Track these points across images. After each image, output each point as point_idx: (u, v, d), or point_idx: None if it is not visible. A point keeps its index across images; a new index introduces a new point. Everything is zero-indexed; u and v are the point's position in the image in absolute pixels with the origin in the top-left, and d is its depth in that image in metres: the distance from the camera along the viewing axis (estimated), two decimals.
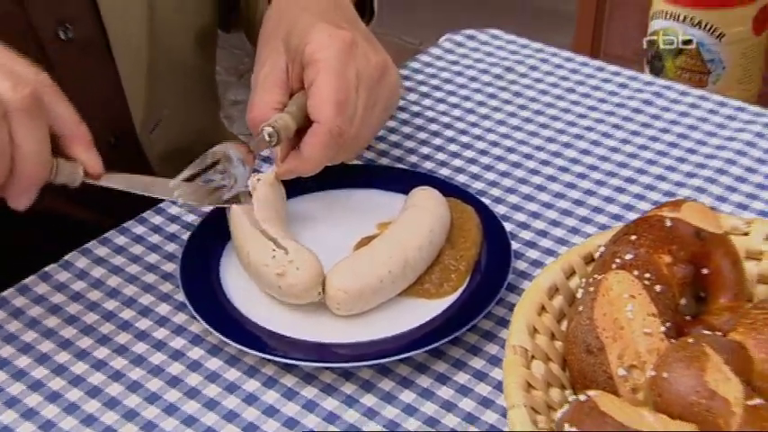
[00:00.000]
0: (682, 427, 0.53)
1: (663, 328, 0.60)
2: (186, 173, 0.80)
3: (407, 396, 0.70)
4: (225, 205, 0.83)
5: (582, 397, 0.55)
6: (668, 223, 0.66)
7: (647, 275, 0.63)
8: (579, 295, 0.66)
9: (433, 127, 1.02)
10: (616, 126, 1.00)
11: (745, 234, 0.70)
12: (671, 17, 1.89)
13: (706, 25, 1.84)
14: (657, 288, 0.62)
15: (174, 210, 0.90)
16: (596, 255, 0.68)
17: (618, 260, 0.65)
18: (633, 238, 0.66)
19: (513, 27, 3.02)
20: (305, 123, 0.82)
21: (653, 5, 1.93)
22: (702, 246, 0.66)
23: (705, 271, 0.66)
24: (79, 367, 0.75)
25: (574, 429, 0.53)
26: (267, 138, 0.80)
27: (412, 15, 3.02)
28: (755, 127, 1.01)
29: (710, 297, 0.66)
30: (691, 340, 0.58)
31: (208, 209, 0.87)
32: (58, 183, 0.72)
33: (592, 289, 0.64)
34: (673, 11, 1.88)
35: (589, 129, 1.00)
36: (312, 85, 0.82)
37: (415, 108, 1.05)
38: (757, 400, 0.54)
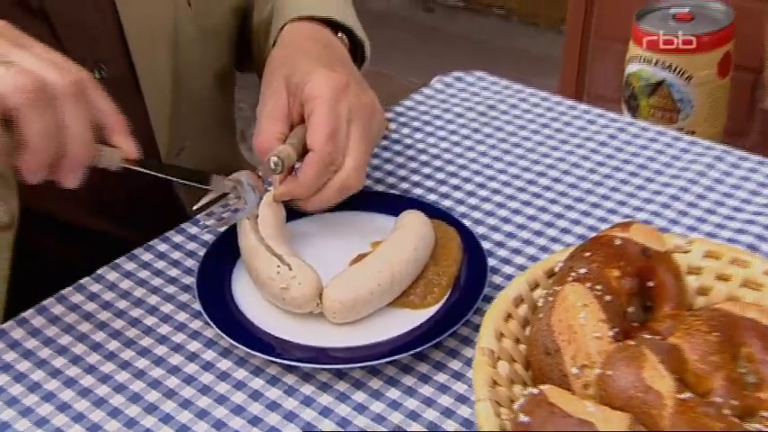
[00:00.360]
0: (618, 415, 0.54)
1: (611, 333, 0.61)
2: (203, 201, 0.82)
3: (393, 393, 0.71)
4: (231, 223, 0.84)
5: (535, 391, 0.57)
6: (618, 242, 0.68)
7: (598, 287, 0.64)
8: (540, 304, 0.66)
9: (423, 158, 1.02)
10: (584, 157, 1.00)
11: (687, 252, 0.71)
12: (645, 61, 1.91)
13: (676, 69, 1.86)
14: (607, 298, 0.63)
15: (193, 230, 0.90)
16: (556, 269, 0.69)
17: (573, 274, 0.66)
18: (587, 254, 0.67)
19: (506, 70, 2.99)
20: (304, 152, 0.84)
21: (629, 51, 1.95)
22: (648, 262, 0.67)
23: (650, 284, 0.67)
24: (108, 367, 0.76)
25: (526, 419, 0.54)
26: (273, 166, 0.81)
27: (418, 59, 3.01)
28: (706, 159, 1.00)
29: (655, 306, 0.67)
30: (632, 343, 0.60)
31: (221, 228, 0.87)
32: (100, 166, 0.73)
33: (551, 299, 0.65)
34: (646, 55, 1.89)
35: (560, 159, 1.01)
36: (309, 119, 0.83)
37: (408, 141, 1.05)
38: (687, 394, 0.55)
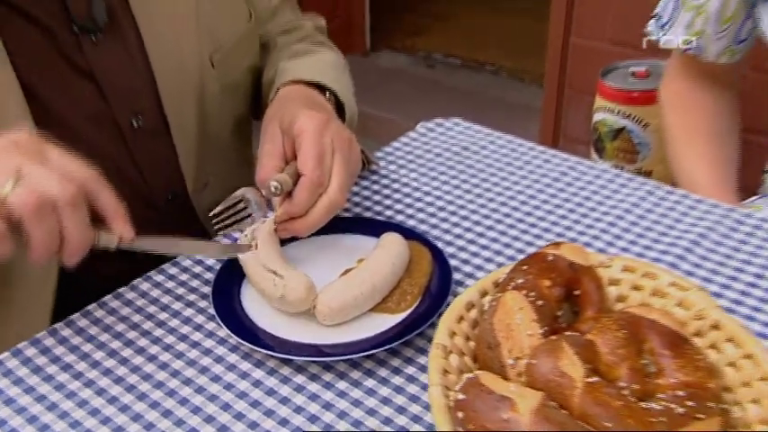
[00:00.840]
0: (533, 393, 0.56)
1: (541, 331, 0.63)
2: (218, 209, 0.84)
3: (369, 383, 0.72)
4: (233, 255, 0.84)
5: (471, 375, 0.59)
6: (550, 258, 0.69)
7: (532, 294, 0.65)
8: (486, 308, 0.68)
9: (405, 189, 1.03)
10: (539, 190, 1.01)
11: (608, 266, 0.72)
12: (608, 111, 1.97)
13: (634, 117, 1.92)
14: (539, 303, 0.65)
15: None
16: (500, 280, 0.70)
17: (513, 283, 0.67)
18: (525, 268, 0.69)
19: (496, 118, 3.03)
20: (297, 181, 0.84)
21: (596, 102, 2.02)
22: (574, 274, 0.69)
23: (577, 292, 0.68)
24: (138, 359, 0.76)
25: (462, 396, 0.56)
26: (273, 189, 0.81)
27: (419, 108, 2.97)
28: (639, 192, 1.00)
29: (581, 311, 0.68)
30: (554, 338, 0.62)
31: (223, 258, 0.87)
32: (99, 247, 0.73)
33: (494, 303, 0.66)
34: (610, 106, 1.96)
35: (519, 192, 1.01)
36: (299, 150, 0.84)
37: (393, 175, 1.06)
38: (595, 378, 0.57)
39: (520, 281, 0.67)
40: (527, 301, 0.65)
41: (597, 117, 1.97)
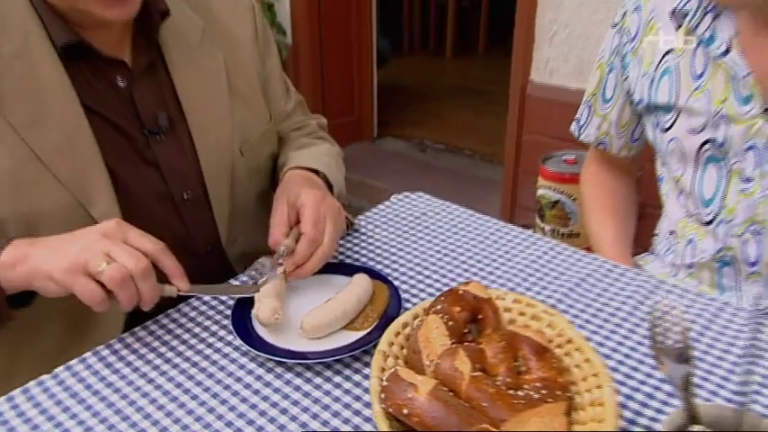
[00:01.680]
0: (430, 380, 0.60)
1: (449, 342, 0.66)
2: (249, 272, 0.84)
3: (338, 378, 0.75)
4: (246, 294, 0.85)
5: (393, 369, 0.62)
6: (461, 292, 0.72)
7: (446, 317, 0.69)
8: (414, 326, 0.71)
9: (376, 243, 1.03)
10: (469, 248, 1.00)
11: (503, 299, 0.75)
12: (547, 188, 1.98)
13: (566, 193, 1.94)
14: (450, 323, 0.68)
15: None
16: (426, 307, 0.72)
17: (433, 309, 0.70)
18: (442, 298, 0.72)
19: (471, 190, 3.02)
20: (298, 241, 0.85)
21: (539, 181, 2.02)
22: (478, 303, 0.72)
23: (480, 316, 0.71)
24: (186, 355, 0.78)
25: (386, 383, 0.60)
26: (282, 251, 0.84)
27: (412, 182, 2.92)
28: (543, 247, 1.00)
29: (483, 329, 0.71)
30: (455, 346, 0.65)
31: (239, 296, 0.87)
32: (164, 296, 0.77)
33: (420, 323, 0.70)
34: (548, 185, 1.97)
35: (468, 250, 1.00)
36: (302, 217, 0.86)
37: (369, 233, 1.06)
38: (478, 373, 0.61)
39: (438, 307, 0.70)
40: (441, 322, 0.68)
41: (540, 192, 1.97)
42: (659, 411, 0.70)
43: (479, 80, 4.15)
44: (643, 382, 0.74)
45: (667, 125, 1.03)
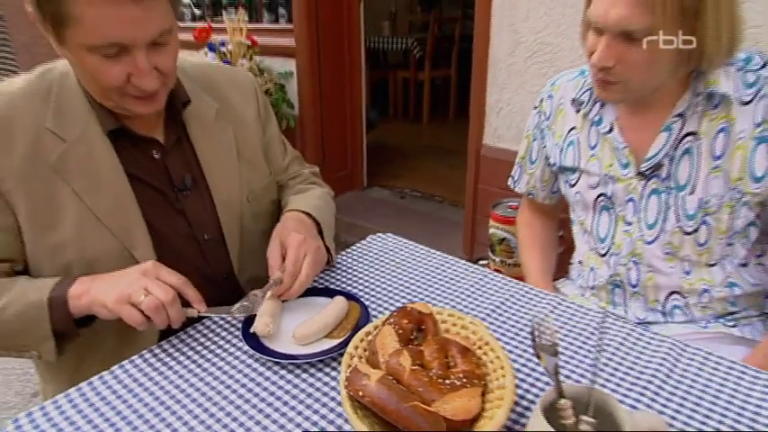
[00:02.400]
0: (379, 372, 0.62)
1: (398, 346, 0.68)
2: (239, 304, 0.84)
3: (319, 374, 0.76)
4: (250, 313, 0.84)
5: (353, 365, 0.64)
6: (408, 309, 0.75)
7: (397, 327, 0.72)
8: (374, 334, 0.73)
9: (354, 273, 1.03)
10: (427, 280, 1.00)
11: (440, 314, 0.76)
12: (496, 228, 1.96)
13: (510, 232, 1.90)
14: (400, 331, 0.71)
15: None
16: (383, 320, 0.74)
17: (387, 321, 0.73)
18: (395, 313, 0.74)
19: (440, 230, 2.96)
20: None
21: (490, 222, 1.99)
22: (421, 317, 0.74)
23: (423, 327, 0.74)
24: (214, 357, 0.79)
25: (348, 374, 0.62)
26: (275, 280, 0.85)
27: (392, 223, 2.90)
28: (476, 276, 1.00)
29: (425, 336, 0.73)
30: (400, 348, 0.67)
31: (242, 316, 0.86)
32: (188, 317, 0.80)
33: (377, 332, 0.72)
34: (497, 225, 1.95)
35: (422, 278, 0.99)
36: (286, 257, 0.87)
37: (348, 266, 1.06)
38: (417, 367, 0.64)
39: (391, 320, 0.73)
40: (393, 331, 0.71)
41: (491, 231, 1.97)
42: (542, 390, 0.73)
43: (449, 142, 4.15)
44: (532, 369, 0.77)
45: (573, 182, 1.09)
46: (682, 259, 0.97)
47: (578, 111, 1.05)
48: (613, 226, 1.03)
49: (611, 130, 0.99)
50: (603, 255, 1.06)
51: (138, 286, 0.75)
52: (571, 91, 1.06)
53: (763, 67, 0.88)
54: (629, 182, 0.99)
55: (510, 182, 1.27)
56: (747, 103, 0.88)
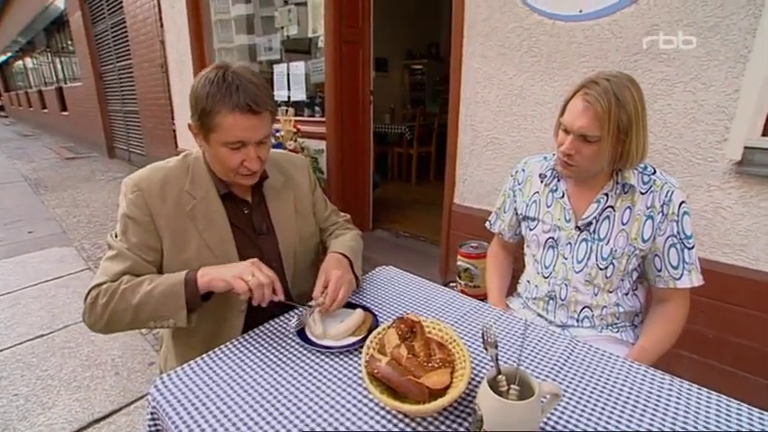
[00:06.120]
0: (386, 359, 0.67)
1: (398, 341, 0.72)
2: (300, 308, 0.85)
3: (346, 359, 0.79)
4: (303, 324, 0.86)
5: (370, 354, 0.69)
6: (404, 317, 0.77)
7: (397, 329, 0.75)
8: (382, 334, 0.75)
9: (367, 293, 1.02)
10: (420, 302, 0.96)
11: (425, 321, 0.77)
12: (462, 261, 1.95)
13: (471, 264, 1.91)
14: (399, 333, 0.74)
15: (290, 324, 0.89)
16: (388, 325, 0.76)
17: (390, 326, 0.76)
18: (396, 321, 0.77)
19: (424, 262, 2.91)
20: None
21: (458, 258, 1.91)
22: (413, 323, 0.76)
23: (414, 329, 0.75)
24: (278, 354, 0.81)
25: (367, 359, 0.67)
26: (319, 302, 0.87)
27: (391, 258, 2.82)
28: (449, 297, 1.00)
29: (416, 336, 0.74)
30: (400, 344, 0.71)
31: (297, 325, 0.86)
32: (275, 300, 0.79)
33: (384, 332, 0.75)
34: (463, 259, 1.95)
35: (413, 298, 0.98)
36: (329, 285, 0.88)
37: (367, 289, 1.04)
38: (410, 356, 0.68)
39: (393, 325, 0.76)
40: (395, 332, 0.75)
41: (458, 263, 1.94)
42: (487, 370, 0.72)
43: (430, 196, 4.12)
44: (483, 358, 0.79)
45: (532, 227, 1.08)
46: (594, 285, 1.00)
47: (542, 181, 1.08)
48: (555, 259, 1.05)
49: (563, 196, 1.03)
50: (546, 277, 1.07)
51: (248, 271, 0.79)
52: (538, 169, 1.09)
53: (654, 173, 0.96)
54: (570, 231, 1.01)
55: (487, 224, 1.23)
56: (644, 193, 0.95)
